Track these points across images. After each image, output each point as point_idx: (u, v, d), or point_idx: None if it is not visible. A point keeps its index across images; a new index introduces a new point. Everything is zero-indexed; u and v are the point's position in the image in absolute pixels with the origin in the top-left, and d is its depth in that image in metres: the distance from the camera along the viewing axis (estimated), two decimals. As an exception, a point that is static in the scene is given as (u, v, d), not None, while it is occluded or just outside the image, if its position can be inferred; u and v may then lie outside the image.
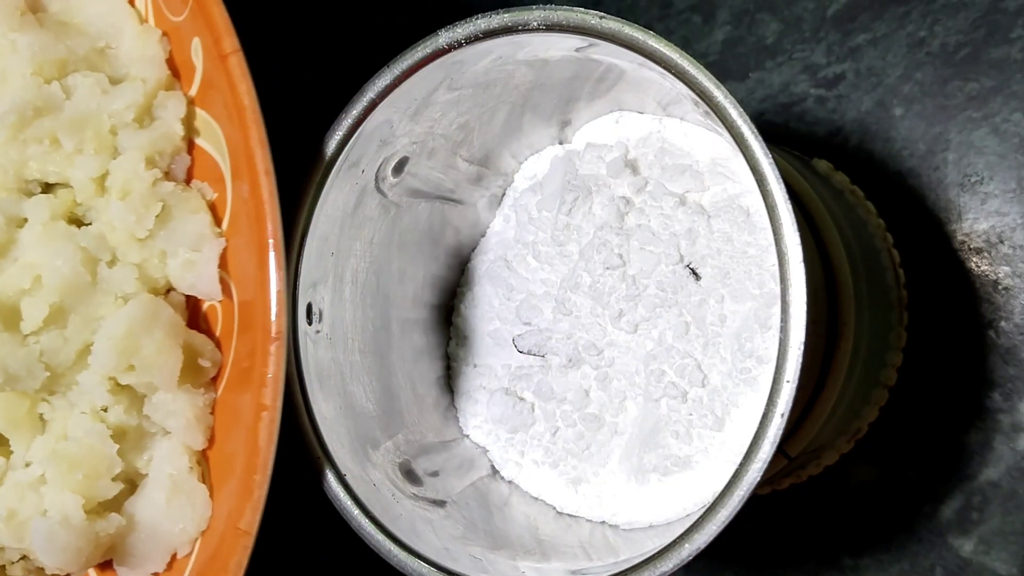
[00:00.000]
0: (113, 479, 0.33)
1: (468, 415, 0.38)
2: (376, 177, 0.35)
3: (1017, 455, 0.37)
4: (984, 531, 0.38)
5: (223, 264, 0.36)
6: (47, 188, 0.37)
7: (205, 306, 0.37)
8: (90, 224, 0.35)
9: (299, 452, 0.33)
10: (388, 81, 0.32)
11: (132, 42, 0.37)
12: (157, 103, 0.36)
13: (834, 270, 0.33)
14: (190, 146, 0.37)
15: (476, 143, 0.36)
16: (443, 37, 0.31)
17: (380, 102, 0.32)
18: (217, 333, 0.36)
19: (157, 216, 0.35)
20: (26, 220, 0.35)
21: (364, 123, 0.32)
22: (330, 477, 0.32)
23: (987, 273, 0.39)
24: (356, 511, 0.31)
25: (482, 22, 0.30)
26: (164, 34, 0.37)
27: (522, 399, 0.37)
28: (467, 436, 0.38)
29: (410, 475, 0.35)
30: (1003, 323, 0.38)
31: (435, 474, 0.36)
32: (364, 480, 0.32)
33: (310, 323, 0.33)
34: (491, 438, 0.37)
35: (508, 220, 0.39)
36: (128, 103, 0.35)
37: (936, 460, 0.39)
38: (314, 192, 0.33)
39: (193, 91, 0.37)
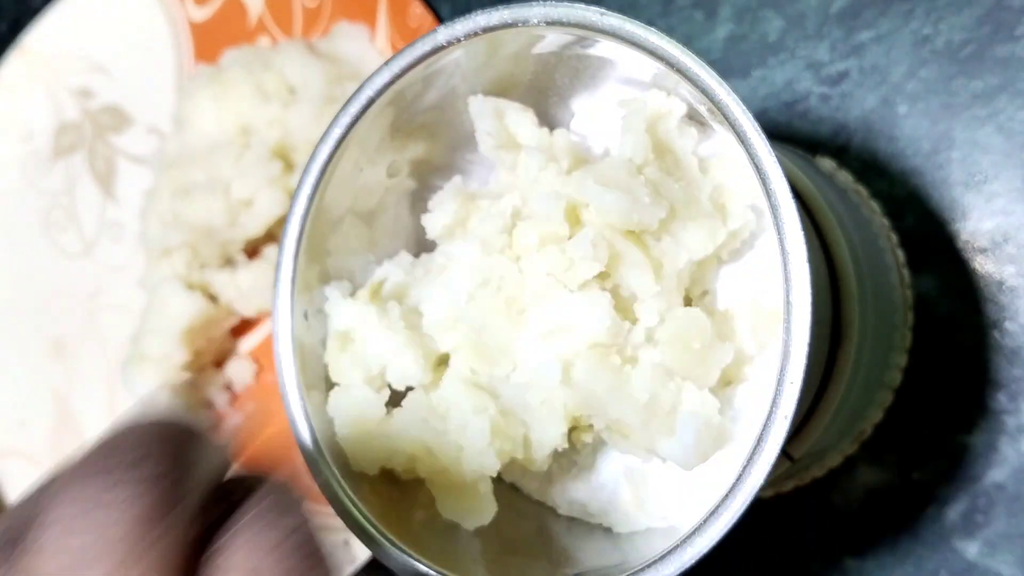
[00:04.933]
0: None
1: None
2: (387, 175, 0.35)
3: (1022, 457, 0.37)
4: (989, 534, 0.37)
5: None
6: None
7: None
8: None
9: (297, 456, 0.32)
10: (387, 79, 0.32)
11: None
12: None
13: (838, 270, 0.32)
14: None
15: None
16: (442, 34, 0.30)
17: (377, 99, 0.31)
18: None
19: None
20: None
21: (359, 122, 0.32)
22: (328, 480, 0.31)
23: (992, 273, 0.38)
24: (355, 514, 0.31)
25: (481, 18, 0.30)
26: None
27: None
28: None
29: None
30: (1008, 323, 0.38)
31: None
32: (362, 483, 0.32)
33: (307, 321, 0.33)
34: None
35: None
36: None
37: (941, 462, 0.38)
38: (310, 193, 0.32)
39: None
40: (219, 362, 0.56)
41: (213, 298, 0.55)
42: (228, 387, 0.56)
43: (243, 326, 0.56)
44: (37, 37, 0.62)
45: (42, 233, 0.63)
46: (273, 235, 0.54)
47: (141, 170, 0.60)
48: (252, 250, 0.55)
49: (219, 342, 0.56)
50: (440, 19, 0.51)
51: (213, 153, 0.52)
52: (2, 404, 0.62)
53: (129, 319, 0.58)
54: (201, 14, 0.60)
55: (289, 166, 0.53)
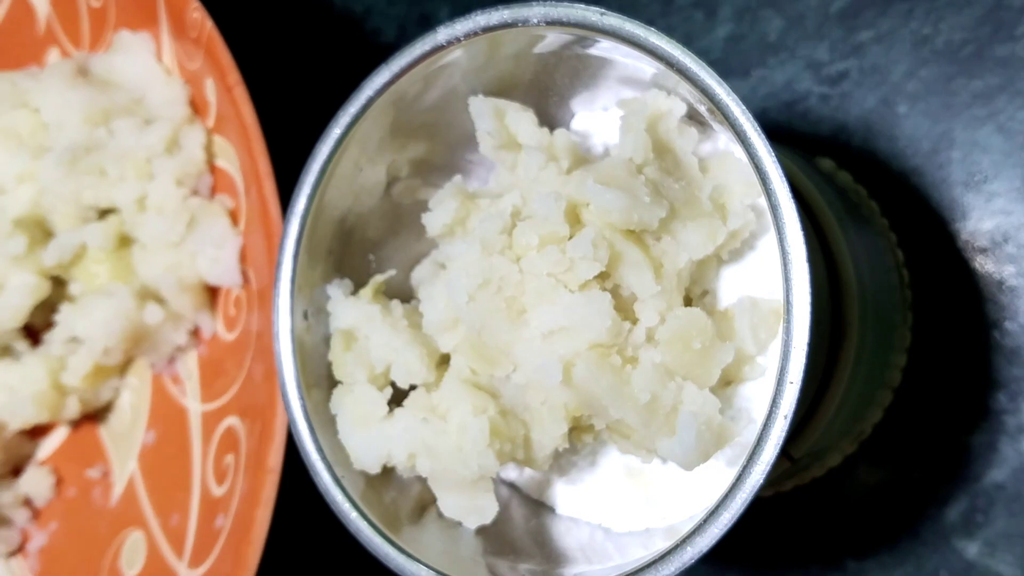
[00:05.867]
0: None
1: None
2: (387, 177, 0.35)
3: (1022, 457, 0.37)
4: (989, 533, 0.37)
5: (243, 258, 0.42)
6: (101, 215, 0.44)
7: (233, 294, 0.44)
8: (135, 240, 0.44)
9: (296, 456, 0.32)
10: (386, 79, 0.32)
11: (160, 90, 0.45)
12: (182, 135, 0.44)
13: (838, 270, 0.32)
14: (212, 167, 0.44)
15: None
16: (442, 34, 0.30)
17: (377, 99, 0.32)
18: (243, 313, 0.43)
19: (187, 225, 0.43)
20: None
21: (359, 122, 0.32)
22: (328, 480, 0.31)
23: (992, 273, 0.38)
24: (354, 514, 0.31)
25: (481, 18, 0.30)
26: (185, 81, 0.45)
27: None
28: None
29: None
30: (1008, 323, 0.38)
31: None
32: (362, 483, 0.32)
33: (307, 321, 0.33)
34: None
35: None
36: (159, 138, 0.43)
37: (940, 462, 0.38)
38: (310, 193, 0.32)
39: (211, 122, 0.44)
40: (17, 470, 0.48)
41: None
42: (27, 502, 0.48)
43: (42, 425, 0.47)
44: None
45: None
46: (49, 321, 0.45)
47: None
48: (34, 331, 0.47)
49: (10, 450, 0.47)
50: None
51: None
52: None
53: None
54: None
55: (45, 234, 0.45)
